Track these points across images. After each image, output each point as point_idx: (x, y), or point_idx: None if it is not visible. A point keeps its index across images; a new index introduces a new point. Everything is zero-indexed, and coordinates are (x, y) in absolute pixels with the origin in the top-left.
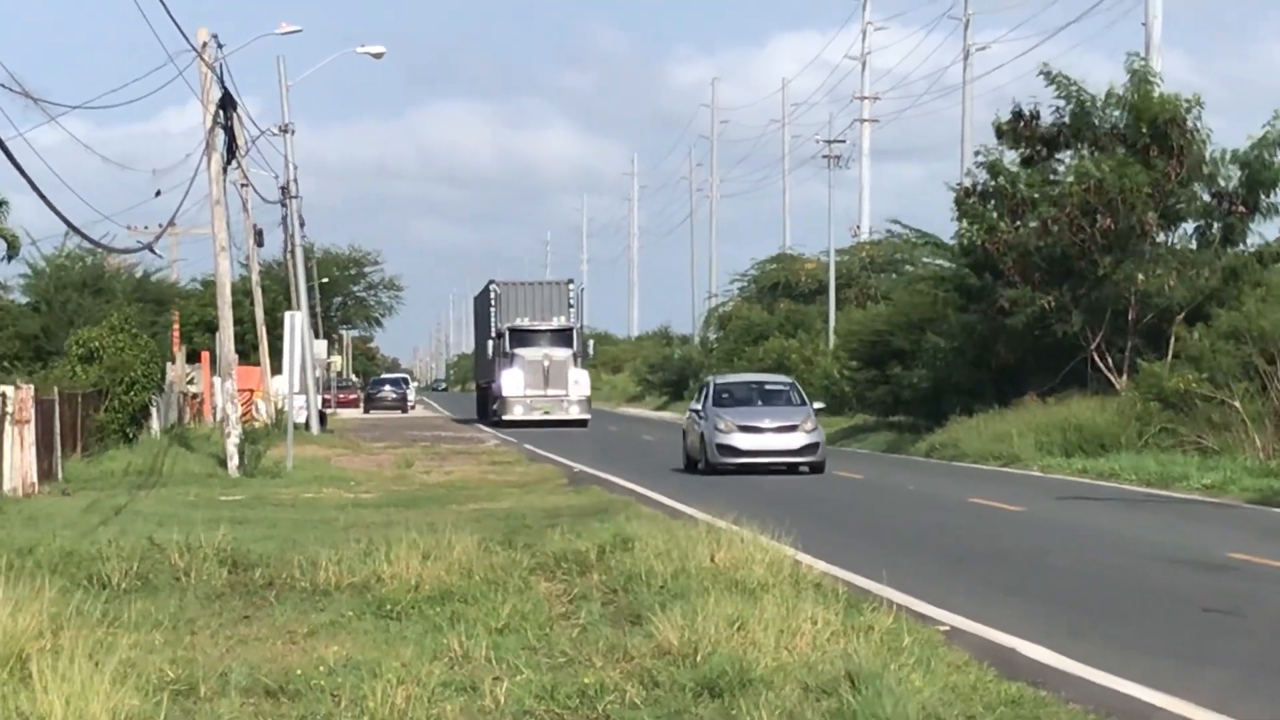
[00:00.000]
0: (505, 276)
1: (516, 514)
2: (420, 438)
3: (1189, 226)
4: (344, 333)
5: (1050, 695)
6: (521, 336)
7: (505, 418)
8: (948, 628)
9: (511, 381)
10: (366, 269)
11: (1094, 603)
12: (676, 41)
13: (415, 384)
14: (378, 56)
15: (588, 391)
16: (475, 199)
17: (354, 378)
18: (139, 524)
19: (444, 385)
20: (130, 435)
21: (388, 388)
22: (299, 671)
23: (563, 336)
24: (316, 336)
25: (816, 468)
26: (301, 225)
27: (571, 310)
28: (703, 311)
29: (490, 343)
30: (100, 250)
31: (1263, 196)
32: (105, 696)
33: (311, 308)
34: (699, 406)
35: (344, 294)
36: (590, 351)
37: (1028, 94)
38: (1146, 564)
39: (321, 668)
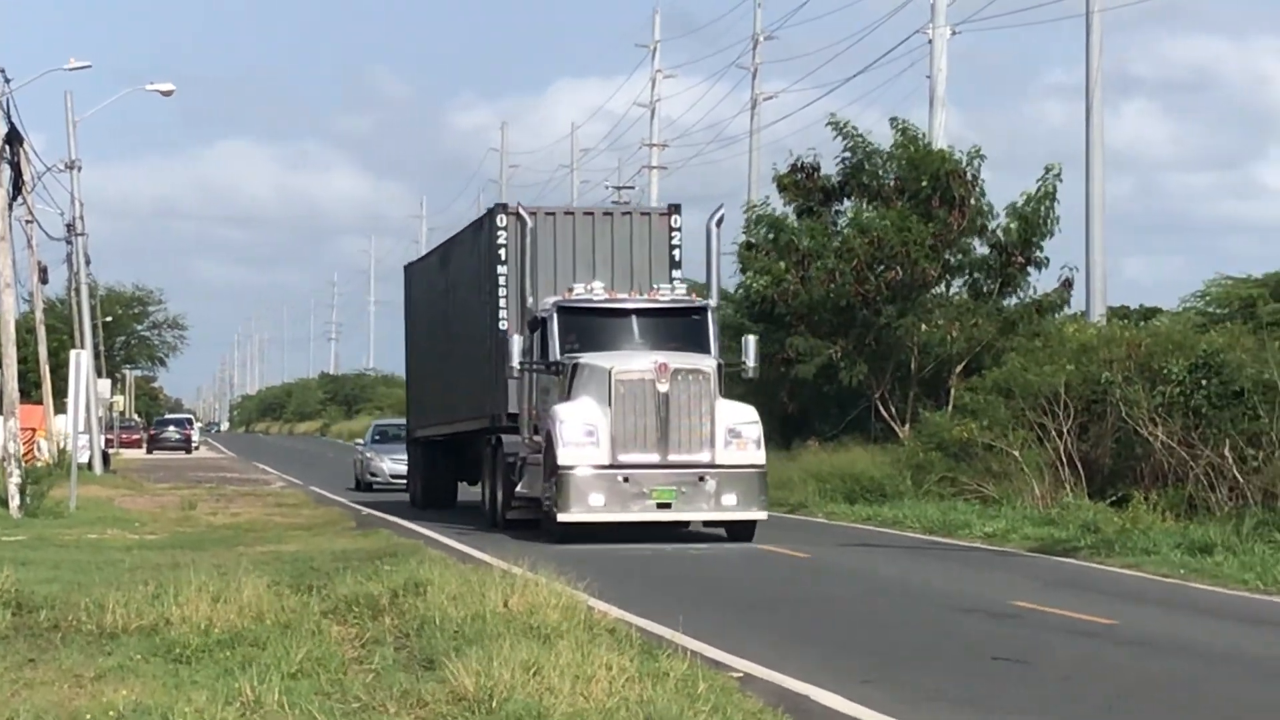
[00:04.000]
0: (293, 317)
1: (305, 557)
2: (205, 479)
3: (968, 277)
4: (127, 372)
5: None
6: (590, 328)
7: (565, 516)
8: (741, 674)
9: (576, 431)
10: (150, 308)
11: (884, 650)
12: (458, 87)
13: (199, 425)
14: (167, 94)
15: (760, 456)
16: (260, 240)
17: (137, 418)
18: None
19: (218, 428)
20: None
21: (171, 428)
22: (87, 717)
23: (687, 329)
24: (100, 375)
25: None
26: (87, 263)
27: (678, 273)
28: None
29: (516, 342)
30: None
31: (1037, 248)
32: None
33: (95, 346)
34: None
35: (127, 333)
36: (751, 359)
37: (810, 145)
38: (934, 611)
39: (111, 713)
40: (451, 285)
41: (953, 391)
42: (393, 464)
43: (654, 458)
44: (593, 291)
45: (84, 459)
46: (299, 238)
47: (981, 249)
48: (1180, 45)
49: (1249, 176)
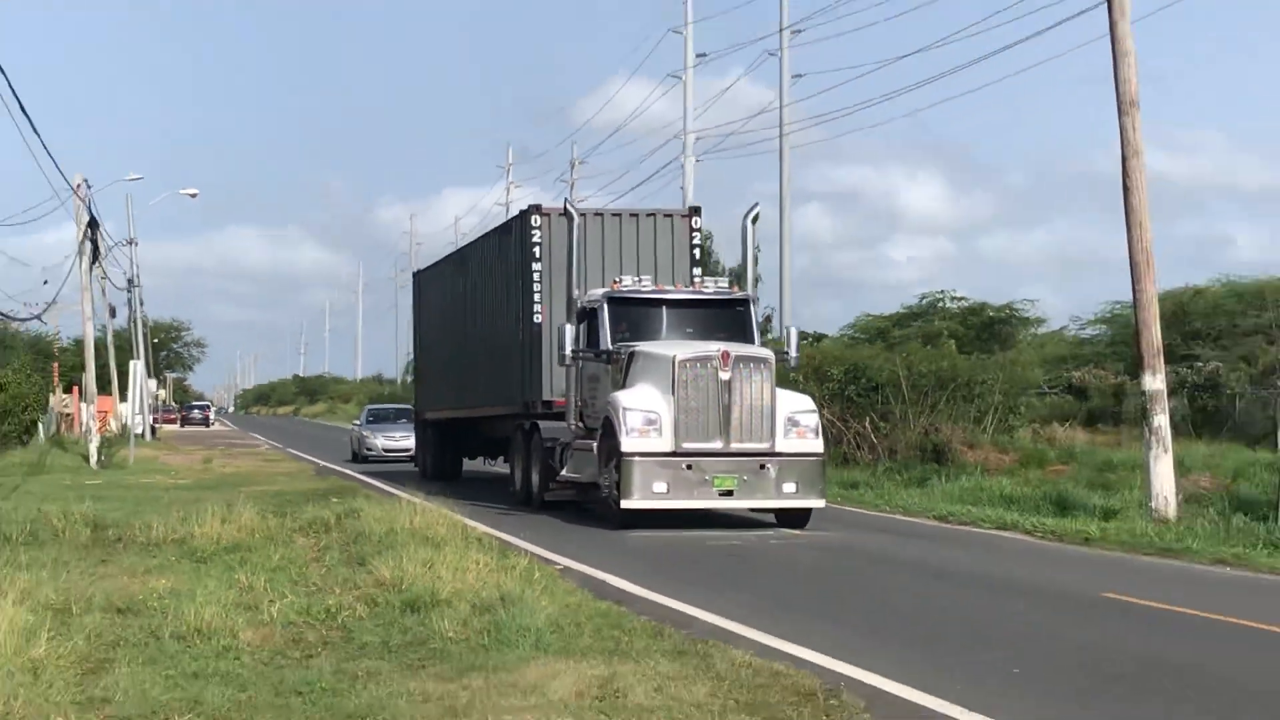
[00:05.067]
0: (277, 339)
1: (282, 494)
2: (218, 444)
3: None
4: (167, 374)
5: (628, 610)
6: (640, 318)
7: (629, 502)
8: (562, 567)
9: (639, 419)
10: (182, 333)
11: (654, 555)
12: (383, 192)
13: (214, 408)
14: (193, 196)
15: (819, 444)
16: (255, 290)
17: (174, 404)
18: (30, 499)
19: (226, 410)
20: (25, 440)
21: (196, 410)
22: (140, 597)
23: (731, 319)
24: (149, 376)
25: None
26: (141, 304)
27: (698, 270)
28: (403, 364)
29: (568, 331)
30: (6, 320)
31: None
32: (9, 614)
33: (145, 358)
34: None
35: (167, 349)
36: (794, 349)
37: None
38: (690, 537)
39: (155, 594)
40: (473, 285)
41: None
42: (385, 440)
43: (716, 445)
44: (641, 283)
45: (139, 431)
46: (281, 289)
47: None
48: (840, 170)
49: (881, 253)
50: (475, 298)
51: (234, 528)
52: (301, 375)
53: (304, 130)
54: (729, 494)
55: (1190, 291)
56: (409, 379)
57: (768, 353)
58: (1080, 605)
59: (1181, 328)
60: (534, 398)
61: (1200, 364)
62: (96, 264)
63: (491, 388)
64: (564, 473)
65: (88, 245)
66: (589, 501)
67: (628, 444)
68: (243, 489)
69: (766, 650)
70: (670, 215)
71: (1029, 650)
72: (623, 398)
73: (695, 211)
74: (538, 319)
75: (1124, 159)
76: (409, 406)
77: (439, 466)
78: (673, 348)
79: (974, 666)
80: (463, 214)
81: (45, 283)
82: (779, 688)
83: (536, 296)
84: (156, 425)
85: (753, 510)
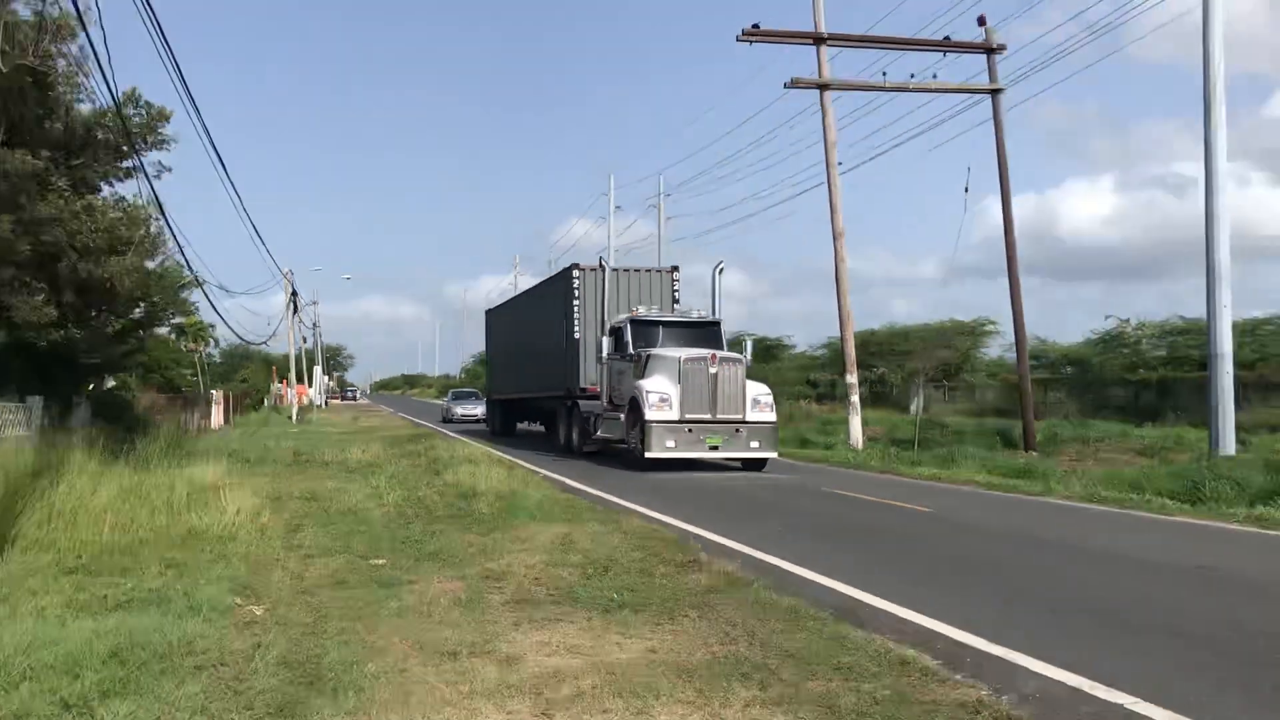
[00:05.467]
0: (392, 357)
1: (396, 437)
2: (361, 411)
3: None
4: (334, 372)
5: (579, 498)
6: (651, 333)
7: (650, 454)
8: (543, 474)
9: (656, 398)
10: (342, 350)
11: (588, 473)
12: (451, 274)
13: (359, 392)
14: (347, 278)
15: (774, 416)
16: (384, 330)
17: (337, 389)
18: (259, 440)
19: (365, 392)
20: (257, 408)
21: (349, 393)
22: (318, 490)
23: (710, 335)
24: (324, 374)
25: None
26: (321, 336)
27: (677, 305)
28: (460, 366)
29: (606, 342)
30: (248, 344)
31: None
32: (247, 500)
33: (323, 364)
34: None
35: (334, 359)
36: (748, 355)
37: None
38: (675, 475)
39: (326, 489)
40: (531, 316)
41: None
42: (462, 410)
43: (707, 416)
44: (651, 311)
45: (319, 403)
46: (397, 332)
47: None
48: (693, 268)
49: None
50: (533, 323)
51: (369, 454)
52: (406, 374)
53: (405, 240)
54: (715, 448)
55: (869, 332)
56: (463, 375)
57: (740, 355)
58: (814, 495)
59: (866, 350)
60: (574, 385)
61: (876, 370)
62: (296, 314)
63: (544, 378)
64: (598, 434)
65: (291, 304)
66: (609, 452)
67: (649, 415)
68: (374, 434)
69: (651, 519)
70: (661, 270)
71: (790, 520)
72: (645, 384)
73: (675, 269)
74: (576, 335)
75: (836, 264)
76: (476, 390)
77: (503, 427)
78: (678, 351)
79: (758, 528)
80: (491, 289)
81: (268, 324)
82: (656, 538)
83: (576, 321)
84: (328, 401)
85: (727, 459)
